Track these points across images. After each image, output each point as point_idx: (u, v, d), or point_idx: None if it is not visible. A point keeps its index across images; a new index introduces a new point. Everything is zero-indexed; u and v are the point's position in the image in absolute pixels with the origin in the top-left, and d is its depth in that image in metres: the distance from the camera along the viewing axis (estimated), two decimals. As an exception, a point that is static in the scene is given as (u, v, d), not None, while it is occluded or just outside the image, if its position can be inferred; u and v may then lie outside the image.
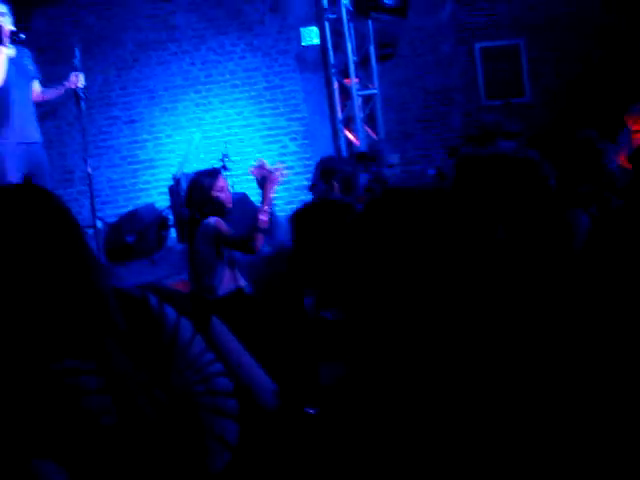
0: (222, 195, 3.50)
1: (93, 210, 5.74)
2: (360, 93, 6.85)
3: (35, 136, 4.47)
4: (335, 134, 6.92)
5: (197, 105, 6.84)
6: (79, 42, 5.14)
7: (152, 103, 6.84)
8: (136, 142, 6.86)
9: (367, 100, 6.93)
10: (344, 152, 6.87)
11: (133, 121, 6.86)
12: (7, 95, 4.22)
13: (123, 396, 1.05)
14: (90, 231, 6.21)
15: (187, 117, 6.83)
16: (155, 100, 6.84)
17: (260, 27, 6.87)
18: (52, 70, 6.62)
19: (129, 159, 6.87)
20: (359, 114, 6.80)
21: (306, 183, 6.33)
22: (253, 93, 6.86)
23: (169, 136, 6.85)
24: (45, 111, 6.44)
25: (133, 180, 6.88)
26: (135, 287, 1.24)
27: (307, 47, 6.92)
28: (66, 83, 4.65)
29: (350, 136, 6.87)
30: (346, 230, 1.36)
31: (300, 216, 3.57)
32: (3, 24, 4.12)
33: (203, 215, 3.42)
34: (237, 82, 6.85)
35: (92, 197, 6.23)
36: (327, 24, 6.90)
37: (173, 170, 6.65)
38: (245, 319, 3.08)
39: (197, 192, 3.50)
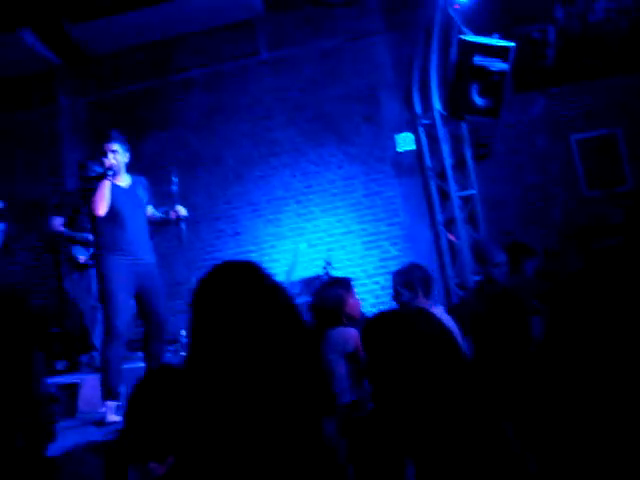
0: (355, 305, 3.53)
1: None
2: (459, 194, 6.86)
3: (149, 258, 4.62)
4: (436, 236, 6.92)
5: (299, 215, 7.03)
6: (180, 163, 5.42)
7: (255, 215, 7.08)
8: (241, 253, 7.05)
9: (466, 201, 6.93)
10: (446, 254, 6.85)
11: (238, 233, 7.10)
12: (123, 222, 4.45)
13: None
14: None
15: (289, 227, 7.01)
16: (258, 212, 7.08)
17: (356, 137, 7.07)
18: (156, 189, 7.01)
19: (234, 270, 7.04)
20: (459, 215, 6.80)
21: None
22: (352, 200, 6.99)
23: (273, 246, 7.03)
24: (154, 228, 6.76)
25: (239, 291, 7.03)
26: None
27: (403, 153, 7.05)
28: (172, 213, 4.86)
29: (451, 237, 6.86)
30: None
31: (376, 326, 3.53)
32: (117, 159, 4.47)
33: (333, 324, 3.44)
34: (336, 191, 7.02)
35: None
36: (421, 130, 7.02)
37: (278, 279, 6.77)
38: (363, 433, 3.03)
39: (330, 301, 3.52)
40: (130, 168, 5.60)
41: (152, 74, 7.36)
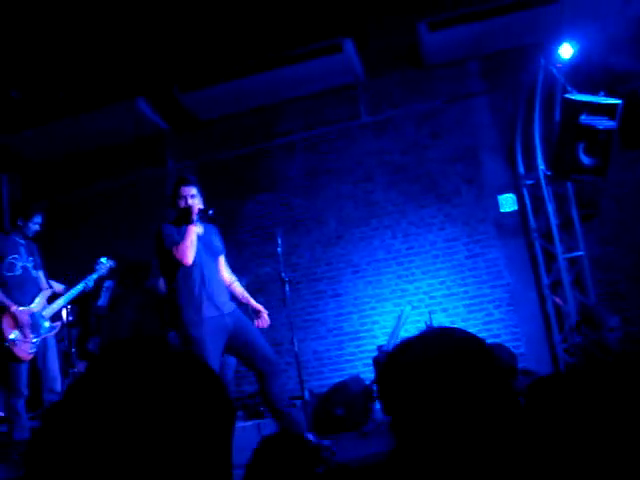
0: None
1: (301, 381, 5.89)
2: (565, 256, 6.67)
3: (229, 306, 4.44)
4: (542, 299, 6.72)
5: (400, 277, 6.99)
6: (283, 224, 5.48)
7: (356, 277, 7.10)
8: (341, 314, 7.07)
9: (573, 262, 6.72)
10: (552, 317, 6.63)
11: (338, 294, 7.12)
12: (200, 271, 4.29)
13: None
14: (298, 402, 6.38)
15: (390, 289, 6.98)
16: (359, 274, 7.10)
17: (457, 198, 7.03)
18: (261, 249, 7.16)
19: (335, 331, 7.07)
20: (566, 277, 6.60)
21: (514, 351, 6.15)
22: (454, 262, 6.91)
23: (373, 308, 7.00)
24: (257, 287, 6.88)
25: (338, 352, 7.04)
26: None
27: (505, 213, 6.94)
28: (261, 318, 4.66)
29: (558, 301, 6.65)
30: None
31: None
32: (194, 204, 4.32)
33: None
34: (438, 252, 6.96)
35: (299, 368, 6.39)
36: (525, 190, 6.91)
37: (377, 341, 6.74)
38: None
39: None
40: (234, 228, 5.77)
41: (257, 137, 7.61)
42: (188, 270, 4.25)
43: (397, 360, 1.31)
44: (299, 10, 6.83)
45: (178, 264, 4.26)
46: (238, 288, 4.69)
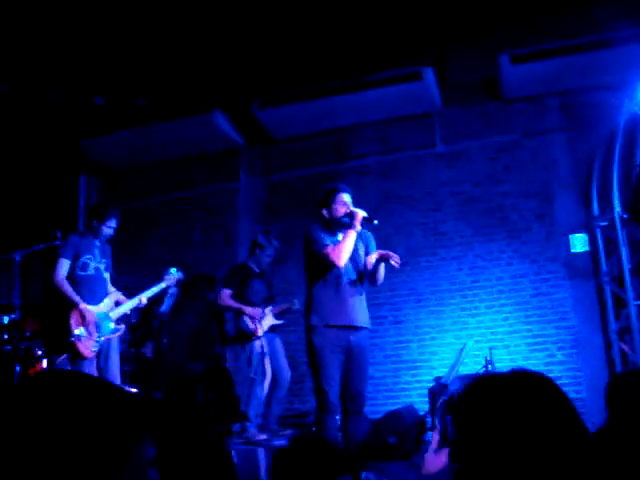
0: None
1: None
2: (636, 302, 6.50)
3: (362, 320, 4.43)
4: (607, 345, 6.56)
5: (462, 309, 6.93)
6: None
7: (418, 305, 7.06)
8: (400, 342, 7.04)
9: (643, 309, 6.55)
10: (618, 364, 6.46)
11: (399, 322, 7.10)
12: (345, 279, 4.35)
13: None
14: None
15: (452, 320, 6.92)
16: (422, 303, 7.06)
17: (528, 234, 6.93)
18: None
19: (393, 358, 7.05)
20: (636, 324, 6.42)
21: (574, 396, 6.01)
22: (519, 299, 6.80)
23: (433, 338, 6.95)
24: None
25: (395, 379, 7.00)
26: None
27: (576, 254, 6.80)
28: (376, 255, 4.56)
29: (625, 348, 6.48)
30: None
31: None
32: (357, 211, 4.40)
33: None
34: (503, 288, 6.87)
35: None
36: (598, 231, 6.77)
37: (435, 372, 6.68)
38: None
39: None
40: (298, 247, 5.78)
41: (330, 159, 7.67)
42: (332, 276, 4.34)
43: (476, 398, 1.26)
44: (381, 35, 6.90)
45: (325, 267, 4.35)
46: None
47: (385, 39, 6.94)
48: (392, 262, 4.41)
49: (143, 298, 5.56)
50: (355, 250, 4.47)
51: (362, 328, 4.44)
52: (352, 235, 4.33)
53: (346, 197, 4.50)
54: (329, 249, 4.30)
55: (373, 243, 4.72)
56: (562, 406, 1.23)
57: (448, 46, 7.24)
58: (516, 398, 1.20)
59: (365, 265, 4.60)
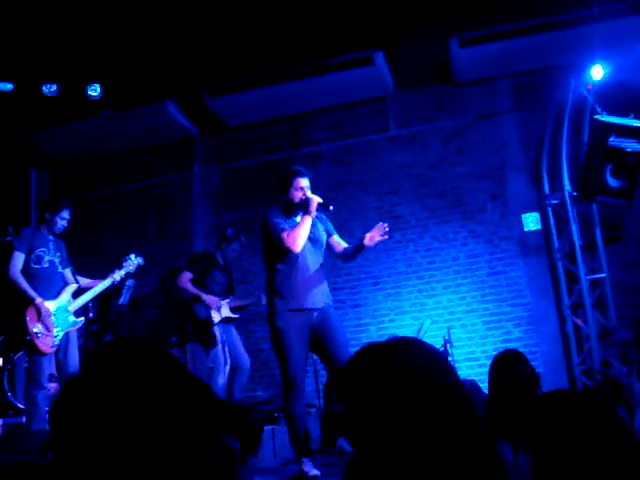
0: None
1: (317, 389, 5.87)
2: (588, 277, 6.64)
3: (326, 301, 4.47)
4: (562, 320, 6.69)
5: (420, 291, 6.99)
6: None
7: (376, 288, 7.10)
8: (360, 325, 7.07)
9: (595, 284, 6.68)
10: (572, 338, 6.60)
11: (357, 305, 7.13)
12: (302, 262, 4.39)
13: None
14: (313, 410, 6.38)
15: (410, 302, 6.98)
16: (379, 286, 7.10)
17: (481, 215, 7.02)
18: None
19: (353, 342, 7.01)
20: (588, 299, 6.56)
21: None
22: (475, 279, 6.89)
23: (392, 320, 7.00)
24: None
25: (355, 362, 7.01)
26: None
27: (529, 232, 6.92)
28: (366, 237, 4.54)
29: (579, 322, 6.62)
30: None
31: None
32: (313, 197, 4.41)
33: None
34: (459, 268, 6.95)
35: (316, 377, 6.39)
36: (549, 209, 6.90)
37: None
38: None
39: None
40: (254, 235, 5.76)
41: (285, 146, 7.66)
42: (291, 259, 4.37)
43: (353, 371, 1.22)
44: (331, 21, 6.90)
45: (283, 252, 4.37)
46: (347, 245, 4.70)
47: (336, 25, 6.94)
48: (384, 237, 4.50)
49: (104, 285, 5.48)
50: (315, 232, 4.51)
51: (324, 308, 4.46)
52: (307, 221, 4.37)
53: (304, 182, 4.51)
54: (284, 235, 4.32)
55: (330, 224, 4.78)
56: (439, 365, 1.18)
57: (400, 31, 7.26)
58: (392, 365, 1.16)
59: (332, 245, 4.68)
